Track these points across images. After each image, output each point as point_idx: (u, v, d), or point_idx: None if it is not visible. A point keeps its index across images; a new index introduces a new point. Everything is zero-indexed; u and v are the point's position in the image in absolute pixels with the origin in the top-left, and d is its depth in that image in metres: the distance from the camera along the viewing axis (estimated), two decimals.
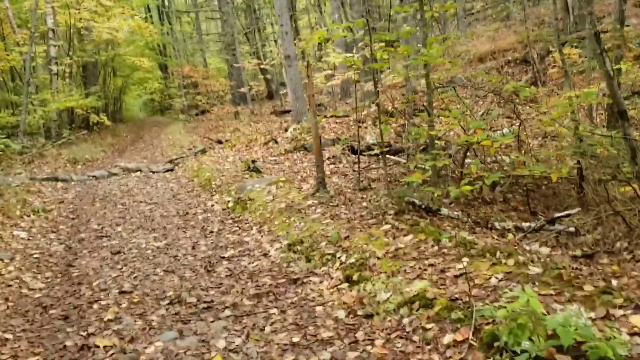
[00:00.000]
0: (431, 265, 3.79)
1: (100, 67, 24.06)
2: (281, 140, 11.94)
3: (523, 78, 14.70)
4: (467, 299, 3.18)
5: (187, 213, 7.37)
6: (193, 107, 34.47)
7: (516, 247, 3.98)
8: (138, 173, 11.50)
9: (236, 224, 6.45)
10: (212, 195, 8.28)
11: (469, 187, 4.71)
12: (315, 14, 25.62)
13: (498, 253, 3.70)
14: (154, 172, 11.46)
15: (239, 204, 7.15)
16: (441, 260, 3.83)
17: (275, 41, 21.03)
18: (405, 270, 3.80)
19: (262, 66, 22.73)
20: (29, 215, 7.49)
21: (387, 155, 8.70)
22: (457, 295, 3.28)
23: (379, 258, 4.11)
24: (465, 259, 3.71)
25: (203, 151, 12.88)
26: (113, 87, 27.12)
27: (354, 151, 10.35)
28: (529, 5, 21.46)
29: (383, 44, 13.38)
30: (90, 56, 20.13)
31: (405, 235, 4.45)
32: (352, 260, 4.26)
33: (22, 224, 7.00)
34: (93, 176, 11.17)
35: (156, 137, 20.38)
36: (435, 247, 4.07)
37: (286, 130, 12.56)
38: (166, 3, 35.27)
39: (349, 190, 6.87)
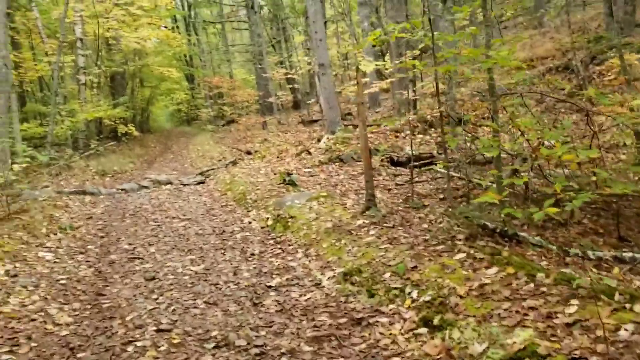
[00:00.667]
0: (531, 308, 3.13)
1: (128, 77, 23.92)
2: (314, 151, 11.37)
3: (567, 87, 13.92)
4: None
5: (223, 231, 6.82)
6: (219, 117, 34.33)
7: (635, 287, 3.30)
8: (168, 186, 11.05)
9: (279, 246, 5.87)
10: (248, 211, 7.73)
11: (555, 210, 4.04)
12: (343, 23, 25.08)
13: (617, 295, 3.03)
14: (184, 185, 10.99)
15: (279, 222, 6.58)
16: (542, 302, 3.17)
17: (308, 49, 20.49)
18: (499, 315, 3.15)
19: (289, 76, 22.33)
20: (56, 234, 7.03)
21: (436, 168, 8.04)
22: (577, 352, 2.63)
23: (461, 296, 3.47)
24: (575, 302, 3.05)
25: (234, 162, 12.39)
26: (140, 97, 27.00)
27: (393, 163, 9.72)
28: (564, 12, 20.60)
29: (417, 51, 12.72)
30: (118, 66, 19.92)
31: (487, 268, 3.80)
32: (426, 297, 3.63)
33: (49, 244, 6.53)
34: (122, 189, 10.74)
35: (184, 148, 20.03)
36: (531, 285, 3.41)
37: (318, 140, 11.99)
38: (192, 14, 35.29)
39: (400, 208, 6.24)
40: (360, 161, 10.23)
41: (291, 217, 6.47)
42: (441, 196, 6.94)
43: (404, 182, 8.73)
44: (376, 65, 13.87)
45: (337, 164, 10.13)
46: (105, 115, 16.68)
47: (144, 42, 18.24)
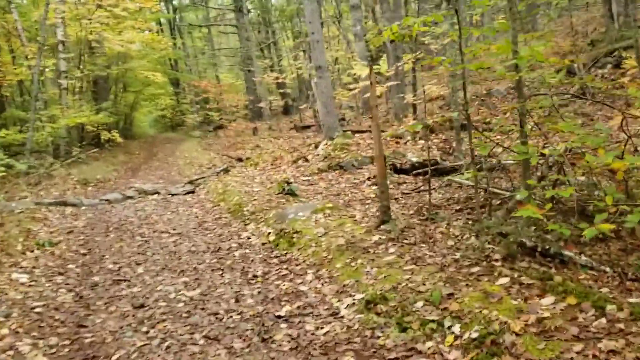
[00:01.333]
0: (612, 352, 2.57)
1: (111, 82, 23.13)
2: (312, 158, 10.78)
3: (570, 90, 13.53)
4: None
5: (219, 248, 6.18)
6: (205, 123, 33.58)
7: None
8: (155, 196, 10.37)
9: (284, 266, 5.25)
10: (246, 225, 7.10)
11: (608, 226, 3.49)
12: (333, 27, 24.60)
13: None
14: (173, 195, 10.32)
15: (282, 238, 5.96)
16: (623, 343, 2.61)
17: (303, 52, 19.89)
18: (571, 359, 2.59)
19: (279, 80, 21.77)
20: (33, 251, 6.35)
21: (453, 178, 7.50)
22: None
23: (517, 334, 2.90)
24: None
25: (226, 170, 11.75)
26: (124, 103, 26.14)
27: (396, 170, 9.16)
28: (559, 14, 20.35)
29: (417, 54, 12.18)
30: (101, 70, 19.12)
31: (540, 296, 3.24)
32: (473, 334, 3.05)
33: (24, 263, 5.84)
34: (106, 200, 10.04)
35: (171, 155, 19.31)
36: (603, 320, 2.85)
37: (315, 147, 11.41)
38: (177, 18, 34.58)
39: (416, 221, 5.67)
40: (361, 168, 9.67)
41: (296, 232, 5.86)
42: (457, 207, 6.39)
43: (410, 190, 8.19)
44: (376, 66, 13.32)
45: (337, 171, 9.56)
46: (87, 121, 15.92)
47: (129, 45, 17.52)
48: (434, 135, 11.08)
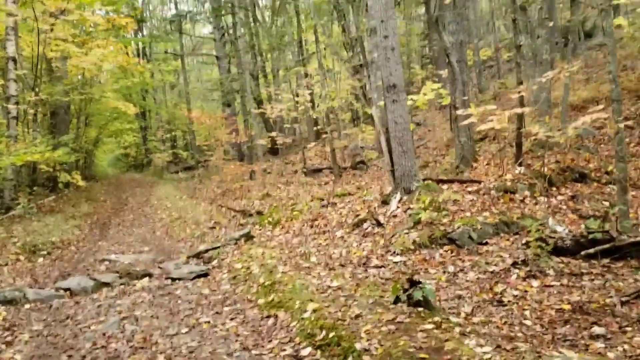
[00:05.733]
0: None
1: (73, 113, 19.17)
2: (386, 220, 7.22)
3: None
4: None
5: None
6: (173, 163, 29.64)
7: None
8: (146, 281, 6.55)
9: None
10: None
11: None
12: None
13: None
14: (175, 280, 6.53)
15: None
16: None
17: (320, 82, 16.44)
18: None
19: (275, 114, 18.22)
20: None
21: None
22: None
23: None
24: None
25: (248, 236, 8.01)
26: (85, 139, 21.98)
27: (556, 250, 5.66)
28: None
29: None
30: (62, 95, 15.16)
31: None
32: None
33: None
34: (66, 289, 6.19)
35: (146, 203, 15.36)
36: None
37: (384, 202, 7.85)
38: (147, 50, 31.06)
39: None
40: (486, 243, 6.17)
41: None
42: None
43: (597, 288, 4.74)
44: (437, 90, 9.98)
45: (446, 248, 6.02)
46: (41, 158, 11.93)
47: (99, 64, 13.74)
48: (555, 189, 7.75)
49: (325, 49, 21.03)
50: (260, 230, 9.04)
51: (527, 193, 7.32)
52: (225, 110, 23.50)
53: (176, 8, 32.37)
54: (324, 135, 16.42)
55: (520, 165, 8.20)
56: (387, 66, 7.50)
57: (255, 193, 13.36)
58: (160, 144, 31.02)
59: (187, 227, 10.31)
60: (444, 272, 5.46)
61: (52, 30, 12.69)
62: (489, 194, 7.41)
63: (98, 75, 17.23)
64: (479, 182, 7.91)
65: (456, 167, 10.39)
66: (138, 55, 30.14)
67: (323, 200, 10.78)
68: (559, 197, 7.47)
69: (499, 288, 4.95)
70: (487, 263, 5.53)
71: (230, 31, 26.98)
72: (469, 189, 7.67)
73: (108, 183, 24.36)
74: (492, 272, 5.35)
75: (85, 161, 23.61)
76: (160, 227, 10.92)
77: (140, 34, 29.93)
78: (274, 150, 24.58)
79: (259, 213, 11.08)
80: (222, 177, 15.23)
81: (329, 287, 5.03)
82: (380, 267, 5.75)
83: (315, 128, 19.05)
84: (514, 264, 5.40)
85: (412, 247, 6.08)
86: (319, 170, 16.00)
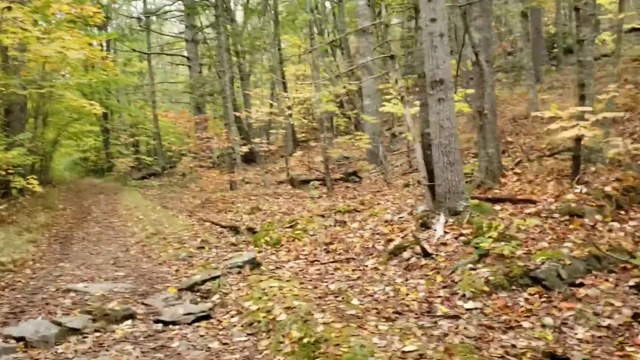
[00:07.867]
0: None
1: (30, 111, 17.09)
2: (434, 249, 5.81)
3: None
4: None
5: None
6: (136, 169, 27.60)
7: None
8: (128, 324, 4.93)
9: None
10: None
11: None
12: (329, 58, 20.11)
13: None
14: (167, 324, 4.93)
15: None
16: None
17: (310, 84, 14.99)
18: None
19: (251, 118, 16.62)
20: None
21: None
22: None
23: None
24: None
25: (253, 263, 6.44)
26: (42, 140, 19.75)
27: None
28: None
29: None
30: (18, 89, 13.19)
31: None
32: None
33: None
34: (17, 339, 4.50)
35: (113, 213, 13.52)
36: None
37: (423, 225, 6.43)
38: (112, 48, 28.99)
39: None
40: (580, 285, 4.83)
41: None
42: None
43: None
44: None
45: (531, 291, 4.65)
46: None
47: (64, 53, 11.89)
48: (623, 212, 6.52)
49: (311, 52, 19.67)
50: (260, 252, 7.50)
51: (598, 217, 6.05)
52: (197, 115, 21.87)
53: (144, 5, 30.47)
54: (312, 143, 15.05)
55: (578, 183, 6.95)
56: (433, 56, 6.13)
57: (241, 206, 11.77)
58: (124, 148, 28.90)
59: (168, 245, 8.64)
60: (543, 325, 4.09)
61: (9, 9, 10.78)
62: (552, 217, 6.12)
63: (60, 69, 15.24)
64: (534, 202, 6.61)
65: (479, 182, 9.08)
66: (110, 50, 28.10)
67: (324, 216, 9.38)
68: (631, 222, 6.24)
69: (626, 351, 3.63)
70: (595, 314, 4.18)
71: (206, 30, 25.37)
72: (526, 210, 6.36)
73: (67, 189, 22.18)
74: (607, 328, 4.01)
75: (42, 164, 21.40)
76: (134, 244, 9.19)
77: (105, 32, 27.90)
78: (249, 159, 22.92)
79: (251, 230, 9.54)
80: (203, 186, 13.53)
81: (404, 352, 3.57)
82: (453, 317, 4.32)
83: (299, 136, 17.59)
84: (635, 316, 4.08)
85: (486, 288, 4.68)
86: (307, 182, 14.53)
